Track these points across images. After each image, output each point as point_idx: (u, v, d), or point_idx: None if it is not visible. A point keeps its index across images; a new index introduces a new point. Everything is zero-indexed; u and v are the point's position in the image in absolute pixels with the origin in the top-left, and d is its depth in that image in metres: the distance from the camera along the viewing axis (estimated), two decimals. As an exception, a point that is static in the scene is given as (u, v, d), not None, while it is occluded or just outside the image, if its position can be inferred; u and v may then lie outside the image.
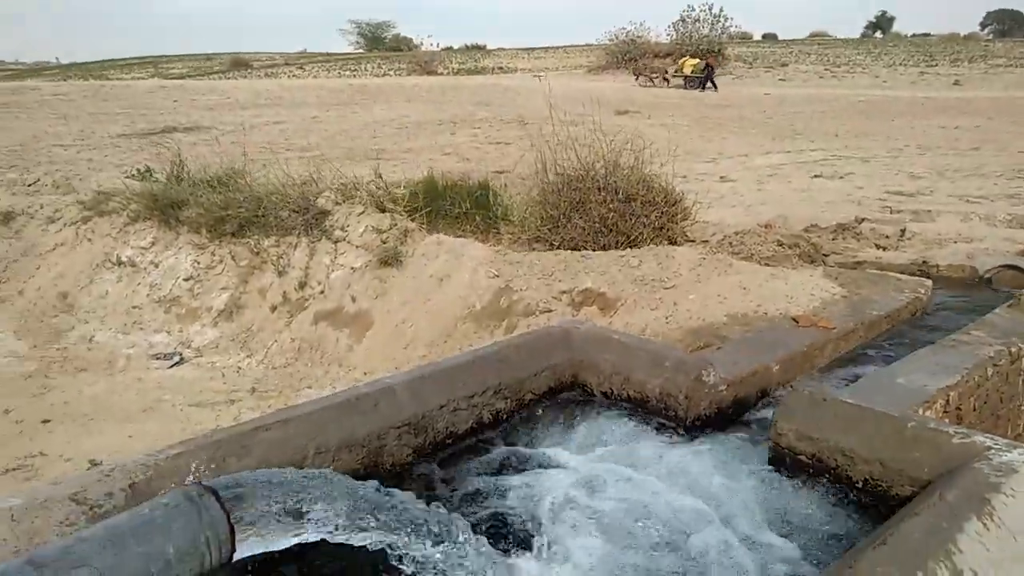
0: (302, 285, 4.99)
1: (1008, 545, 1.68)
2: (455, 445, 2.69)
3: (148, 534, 1.26)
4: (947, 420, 2.63)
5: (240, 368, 4.66)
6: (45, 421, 4.10)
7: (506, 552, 2.13)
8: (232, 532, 1.35)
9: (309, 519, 1.49)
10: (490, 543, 2.06)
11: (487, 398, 2.81)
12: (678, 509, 2.24)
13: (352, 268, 4.86)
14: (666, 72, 28.66)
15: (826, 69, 34.01)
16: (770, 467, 2.45)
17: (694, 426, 2.75)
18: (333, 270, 4.95)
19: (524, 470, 2.55)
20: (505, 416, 2.86)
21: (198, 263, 5.47)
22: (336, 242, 5.06)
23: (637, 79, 29.32)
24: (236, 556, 1.40)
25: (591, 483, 2.44)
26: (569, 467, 2.56)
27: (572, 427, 2.83)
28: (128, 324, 5.29)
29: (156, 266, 5.59)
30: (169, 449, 2.22)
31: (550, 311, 4.07)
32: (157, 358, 4.85)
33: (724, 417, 2.83)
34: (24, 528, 1.89)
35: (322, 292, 4.88)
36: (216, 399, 4.26)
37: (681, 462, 2.55)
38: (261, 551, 1.43)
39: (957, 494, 1.81)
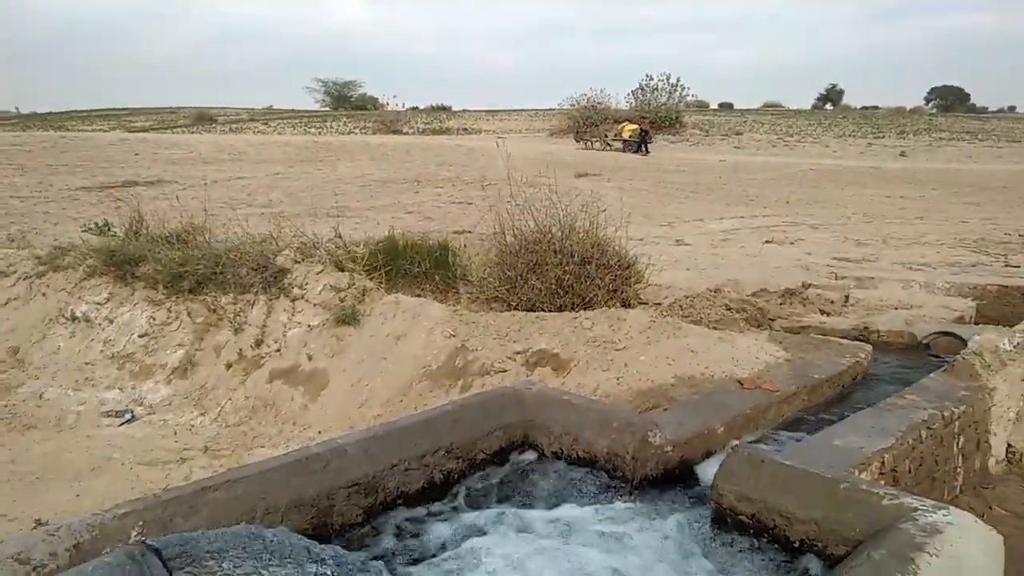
0: (258, 343, 4.98)
1: (930, 603, 1.77)
2: (406, 505, 2.71)
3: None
4: (883, 482, 2.73)
5: (193, 426, 4.61)
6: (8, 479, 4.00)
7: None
8: (177, 593, 1.37)
9: (254, 579, 1.51)
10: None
11: (439, 458, 2.84)
12: (615, 568, 2.28)
13: (309, 326, 4.88)
14: (606, 136, 29.83)
15: (779, 138, 35.32)
16: (712, 526, 2.51)
17: (641, 485, 2.81)
18: (290, 328, 4.96)
19: (469, 530, 2.57)
20: (457, 476, 2.89)
21: (153, 319, 5.43)
22: (294, 300, 5.08)
23: (578, 142, 30.59)
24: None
25: (528, 540, 2.48)
26: (513, 527, 2.60)
27: (521, 487, 2.87)
28: (80, 380, 5.20)
29: (111, 322, 5.54)
30: (116, 509, 2.21)
31: (505, 371, 4.13)
32: (108, 415, 4.77)
33: (670, 476, 2.90)
34: (-38, 590, 1.87)
35: (278, 350, 4.88)
36: (167, 458, 4.20)
37: (625, 521, 2.60)
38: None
39: (883, 554, 1.89)
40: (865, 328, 4.62)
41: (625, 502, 2.71)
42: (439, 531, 2.58)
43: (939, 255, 8.88)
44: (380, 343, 4.57)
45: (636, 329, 4.18)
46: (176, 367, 5.15)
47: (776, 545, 2.36)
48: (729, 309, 4.76)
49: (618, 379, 3.81)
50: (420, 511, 2.70)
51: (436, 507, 2.73)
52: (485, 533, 2.57)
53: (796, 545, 2.32)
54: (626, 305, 5.32)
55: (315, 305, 4.98)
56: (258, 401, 4.65)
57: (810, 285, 6.11)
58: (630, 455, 2.79)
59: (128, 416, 4.74)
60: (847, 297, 5.60)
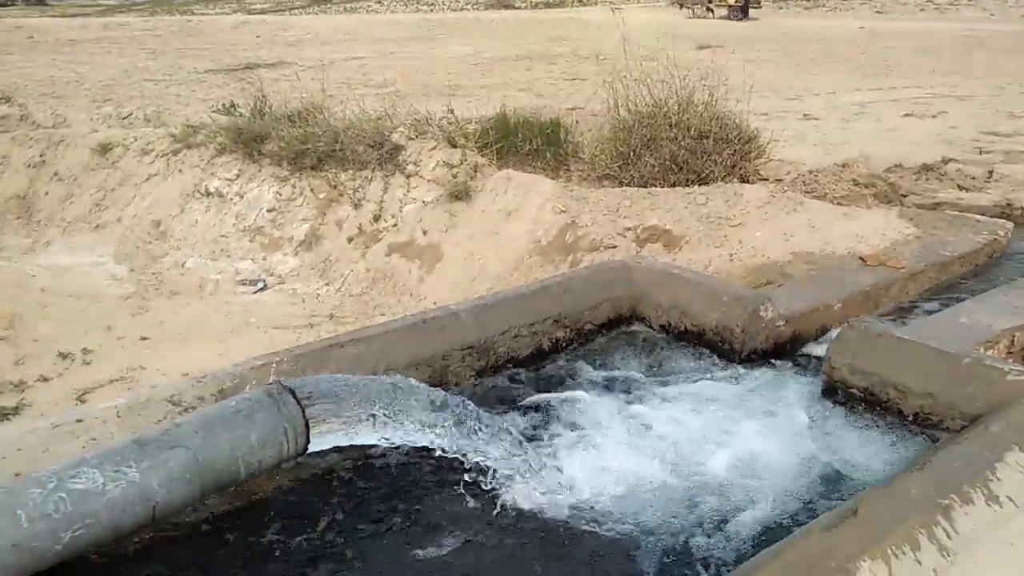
0: (376, 218, 5.16)
1: (1049, 477, 1.71)
2: (515, 368, 2.83)
3: (234, 423, 1.43)
4: (1011, 361, 2.61)
5: (319, 295, 4.90)
6: (143, 339, 4.44)
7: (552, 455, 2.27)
8: (307, 426, 1.52)
9: (381, 421, 1.64)
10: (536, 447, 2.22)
11: (547, 327, 2.92)
12: (724, 431, 2.33)
13: (424, 202, 5.00)
14: (710, 3, 27.98)
15: (928, 1, 31.86)
16: (822, 399, 2.49)
17: (749, 359, 2.80)
18: (406, 204, 5.10)
19: (574, 391, 2.66)
20: (564, 344, 2.97)
21: (280, 195, 5.70)
22: (409, 176, 5.19)
23: (681, 9, 29.01)
24: (312, 448, 1.57)
25: (640, 405, 2.55)
26: (620, 392, 2.67)
27: (627, 356, 2.92)
28: (216, 252, 5.59)
29: (241, 197, 5.86)
30: (254, 360, 2.43)
31: (614, 247, 4.12)
32: (243, 284, 5.14)
33: (781, 351, 2.87)
34: (128, 424, 2.13)
35: (395, 225, 5.05)
36: (297, 323, 4.51)
37: (732, 391, 2.62)
38: (337, 445, 1.60)
39: (1003, 426, 1.83)
40: (1008, 204, 4.28)
41: (733, 374, 2.72)
42: (545, 391, 2.68)
43: (1105, 128, 7.96)
44: (492, 218, 4.64)
45: (753, 205, 4.04)
46: (302, 240, 5.44)
47: (889, 418, 2.33)
48: (857, 185, 4.50)
49: (731, 256, 3.74)
50: (529, 374, 2.81)
51: (544, 371, 2.83)
52: (589, 393, 2.66)
53: (909, 418, 2.28)
54: (745, 181, 5.12)
55: (429, 181, 5.07)
56: (377, 273, 4.87)
57: (950, 160, 5.65)
58: (740, 328, 2.77)
59: (261, 285, 5.09)
60: (991, 172, 5.17)
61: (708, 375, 2.74)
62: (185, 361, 4.09)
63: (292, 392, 1.52)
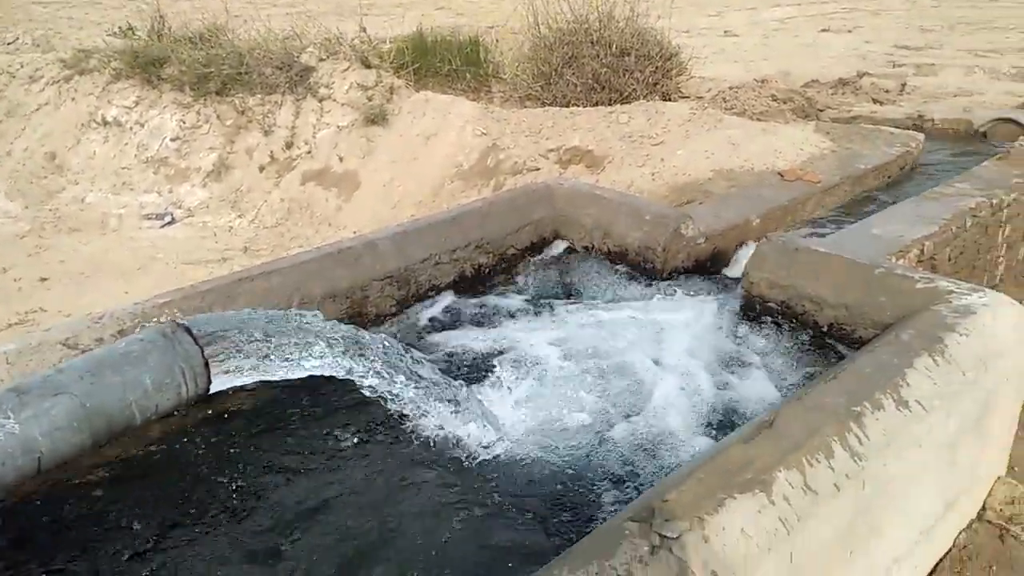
0: (289, 145, 4.93)
1: (955, 379, 1.76)
2: (437, 297, 2.76)
3: (124, 365, 1.33)
4: (920, 269, 2.68)
5: (231, 228, 4.70)
6: (43, 279, 4.19)
7: (470, 383, 2.23)
8: (207, 366, 1.42)
9: (285, 356, 1.56)
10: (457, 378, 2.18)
11: (469, 252, 2.85)
12: (640, 346, 2.33)
13: (338, 127, 4.79)
14: None
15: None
16: (741, 313, 2.52)
17: (671, 277, 2.80)
18: (319, 129, 4.88)
19: (497, 317, 2.62)
20: (487, 271, 2.91)
21: (183, 123, 5.38)
22: (321, 100, 4.95)
23: None
24: (215, 388, 1.48)
25: (560, 325, 2.53)
26: (541, 315, 2.64)
27: (550, 280, 2.89)
28: (118, 185, 5.28)
29: (142, 126, 5.51)
30: (156, 299, 2.28)
31: (537, 169, 4.05)
32: (149, 218, 4.88)
33: (702, 268, 2.88)
34: (19, 369, 1.98)
35: (309, 152, 4.84)
36: (209, 257, 4.32)
37: (653, 307, 2.63)
38: (239, 384, 1.51)
39: (912, 333, 1.88)
40: (920, 117, 4.36)
41: (655, 291, 2.72)
42: (470, 318, 2.64)
43: (1008, 40, 8.20)
44: (410, 143, 4.49)
45: (675, 123, 4.00)
46: (210, 171, 5.17)
47: (806, 329, 2.37)
48: (775, 100, 4.51)
49: (653, 175, 3.71)
50: (451, 302, 2.75)
51: (467, 299, 2.77)
52: (514, 318, 2.63)
53: (824, 329, 2.32)
54: (667, 99, 5.08)
55: (343, 105, 4.85)
56: (293, 203, 4.68)
57: (865, 74, 5.73)
58: (661, 248, 2.75)
59: (168, 219, 4.84)
60: (903, 85, 5.26)
61: (630, 295, 2.73)
62: (89, 301, 3.88)
63: (188, 330, 1.42)
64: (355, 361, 1.67)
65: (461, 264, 2.84)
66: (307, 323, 1.60)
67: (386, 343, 1.82)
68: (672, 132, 3.97)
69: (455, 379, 2.15)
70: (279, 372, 1.54)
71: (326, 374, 1.66)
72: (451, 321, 2.65)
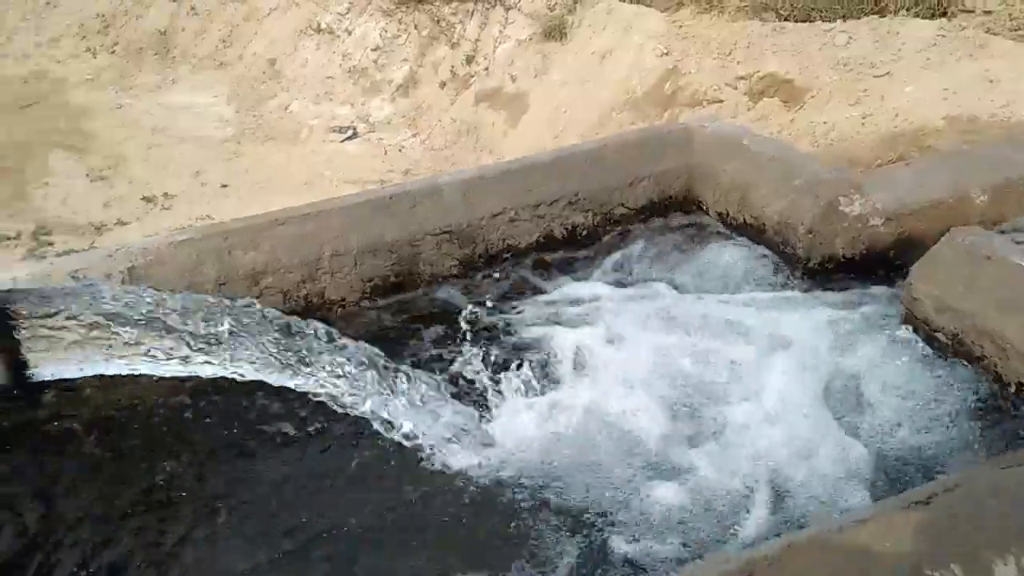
0: (469, 60, 4.58)
1: None
2: (511, 262, 2.29)
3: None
4: None
5: (403, 148, 4.53)
6: (224, 186, 4.35)
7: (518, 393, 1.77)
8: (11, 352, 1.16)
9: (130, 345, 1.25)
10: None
11: (560, 208, 2.32)
12: (728, 365, 1.71)
13: (517, 41, 4.34)
14: None
15: None
16: (895, 341, 1.75)
17: (821, 270, 2.05)
18: (500, 43, 4.46)
19: (573, 296, 2.10)
20: (583, 233, 2.36)
21: (385, 32, 5.26)
22: (508, 9, 4.50)
23: None
24: (39, 377, 1.21)
25: (640, 319, 1.95)
26: (635, 299, 2.07)
27: (661, 257, 2.25)
28: (320, 95, 5.34)
29: (349, 34, 5.49)
30: (177, 234, 2.10)
31: (720, 101, 3.30)
32: (334, 131, 4.88)
33: (876, 263, 2.07)
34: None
35: (486, 69, 4.46)
36: (370, 177, 4.20)
37: (773, 316, 1.92)
38: (65, 376, 1.24)
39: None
40: None
41: (784, 294, 2.00)
42: (541, 293, 2.14)
43: None
44: (584, 63, 3.92)
45: (911, 47, 3.00)
46: (400, 84, 5.02)
47: (985, 382, 1.57)
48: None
49: (864, 118, 2.81)
50: (523, 271, 2.26)
51: (547, 269, 2.26)
52: (594, 302, 2.09)
53: (1012, 389, 1.51)
54: (942, 14, 3.88)
55: (527, 16, 4.38)
56: (463, 125, 4.38)
57: None
58: (804, 227, 2.01)
59: (350, 133, 4.79)
60: None
61: (752, 292, 2.04)
62: (249, 213, 3.94)
63: (-6, 309, 1.15)
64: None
65: (548, 223, 2.32)
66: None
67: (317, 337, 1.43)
68: (904, 60, 2.97)
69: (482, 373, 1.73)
70: (119, 365, 1.23)
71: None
72: (515, 293, 2.17)
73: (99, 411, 1.72)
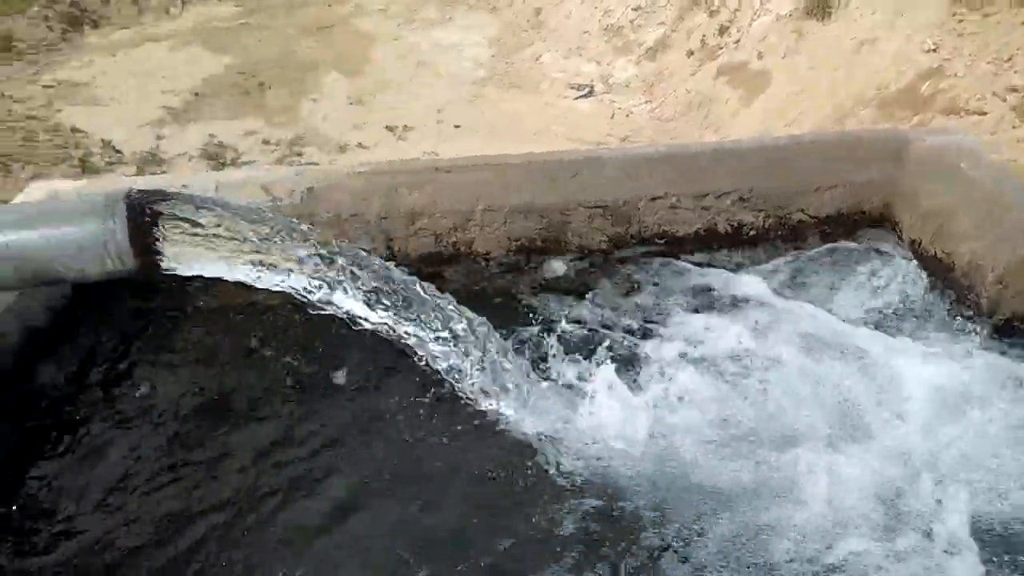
0: (723, 30, 4.33)
1: None
2: (663, 247, 2.19)
3: (53, 219, 1.33)
4: None
5: (631, 113, 4.45)
6: (457, 127, 4.61)
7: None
8: (146, 243, 1.36)
9: (260, 261, 1.40)
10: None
11: (729, 203, 2.16)
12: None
13: (777, 15, 4.00)
14: None
15: None
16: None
17: (1005, 329, 1.73)
18: (759, 15, 4.15)
19: (699, 303, 1.97)
20: (751, 234, 2.18)
21: (651, -10, 5.15)
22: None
23: None
24: (171, 271, 1.41)
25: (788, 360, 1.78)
26: (781, 321, 1.89)
27: (824, 283, 2.02)
28: (573, 49, 5.38)
29: (618, -14, 5.44)
30: (357, 167, 2.28)
31: (982, 113, 2.82)
32: (572, 88, 4.91)
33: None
34: (214, 200, 2.20)
35: (737, 42, 4.18)
36: (591, 138, 4.21)
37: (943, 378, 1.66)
38: (198, 273, 1.42)
39: None
40: None
41: (946, 351, 1.71)
42: (673, 291, 2.04)
43: None
44: (840, 48, 3.53)
45: None
46: (651, 47, 4.91)
47: None
48: None
49: None
50: (676, 258, 2.15)
51: (694, 265, 2.13)
52: (720, 313, 1.95)
53: None
54: None
55: (795, -13, 4.02)
56: (697, 97, 4.20)
57: None
58: (993, 274, 1.70)
59: (587, 91, 4.79)
60: None
61: (921, 337, 1.77)
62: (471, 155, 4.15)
63: (132, 203, 1.35)
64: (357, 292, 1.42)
65: (712, 215, 2.18)
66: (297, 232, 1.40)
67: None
68: None
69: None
70: (250, 274, 1.39)
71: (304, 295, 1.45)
72: (651, 284, 2.08)
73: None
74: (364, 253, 1.53)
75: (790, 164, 2.16)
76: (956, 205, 1.88)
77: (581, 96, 4.74)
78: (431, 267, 2.19)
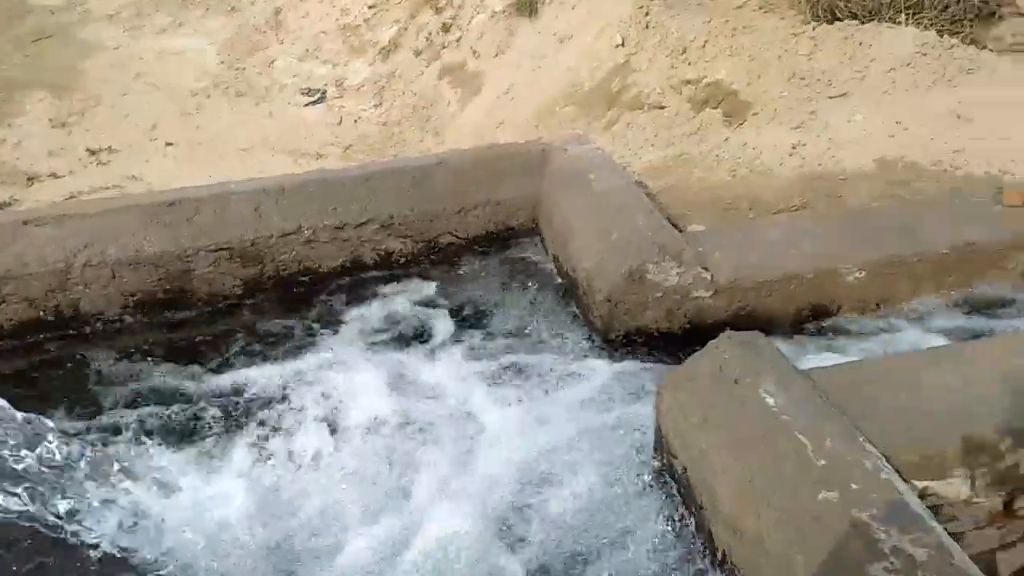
0: (446, 28, 4.20)
1: None
2: (314, 285, 1.99)
3: None
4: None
5: (359, 119, 4.23)
6: (168, 144, 4.20)
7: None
8: None
9: None
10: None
11: (370, 232, 1.99)
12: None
13: (493, 12, 3.92)
14: None
15: None
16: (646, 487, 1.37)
17: (626, 343, 1.68)
18: (478, 12, 4.05)
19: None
20: (400, 261, 2.03)
21: (385, -14, 4.93)
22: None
23: None
24: None
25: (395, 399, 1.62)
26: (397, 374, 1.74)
27: (472, 305, 1.90)
28: (309, 51, 5.08)
29: (350, -17, 5.18)
30: (134, 198, 1.98)
31: (661, 107, 2.85)
32: (303, 93, 4.62)
33: (701, 341, 1.67)
34: None
35: (457, 40, 4.07)
36: (309, 150, 3.97)
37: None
38: None
39: None
40: None
41: (566, 371, 1.64)
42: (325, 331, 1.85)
43: None
44: (543, 44, 3.52)
45: (881, 66, 2.48)
46: (384, 47, 4.70)
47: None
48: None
49: (794, 148, 2.35)
50: (328, 297, 1.96)
51: (346, 299, 1.94)
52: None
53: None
54: (994, 15, 3.25)
55: (506, -16, 3.95)
56: (421, 100, 4.07)
57: None
58: (602, 294, 1.63)
59: (318, 96, 4.52)
60: None
61: (540, 364, 1.68)
62: (174, 176, 3.77)
63: None
64: None
65: (355, 247, 2.00)
66: None
67: None
68: (868, 80, 2.46)
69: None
70: None
71: None
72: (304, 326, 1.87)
73: None
74: None
75: (436, 185, 2.01)
76: (578, 220, 1.82)
77: (311, 103, 4.45)
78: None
